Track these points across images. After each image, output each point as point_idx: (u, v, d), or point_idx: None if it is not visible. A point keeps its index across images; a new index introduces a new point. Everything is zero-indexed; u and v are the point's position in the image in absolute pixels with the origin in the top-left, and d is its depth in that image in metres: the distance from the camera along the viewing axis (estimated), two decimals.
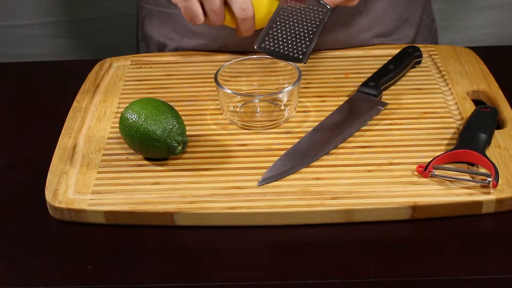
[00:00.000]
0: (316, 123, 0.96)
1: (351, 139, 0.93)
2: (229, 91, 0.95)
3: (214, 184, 0.87)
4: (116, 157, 0.92)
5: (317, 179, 0.87)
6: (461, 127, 0.94)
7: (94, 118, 0.99)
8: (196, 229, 0.84)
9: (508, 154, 0.90)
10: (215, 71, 0.98)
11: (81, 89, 1.06)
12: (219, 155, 0.92)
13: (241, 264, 0.80)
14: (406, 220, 0.84)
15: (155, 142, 0.88)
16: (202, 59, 1.11)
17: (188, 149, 0.92)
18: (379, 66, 1.04)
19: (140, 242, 0.83)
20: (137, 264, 0.80)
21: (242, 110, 0.99)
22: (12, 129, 1.03)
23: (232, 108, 0.98)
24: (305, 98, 1.01)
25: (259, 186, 0.86)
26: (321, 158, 0.90)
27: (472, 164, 0.88)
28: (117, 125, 0.93)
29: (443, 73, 1.06)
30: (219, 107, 0.99)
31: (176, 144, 0.88)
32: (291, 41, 0.93)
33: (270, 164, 0.89)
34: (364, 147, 0.92)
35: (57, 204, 0.85)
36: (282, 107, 0.98)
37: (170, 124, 0.88)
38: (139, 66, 1.11)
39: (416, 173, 0.87)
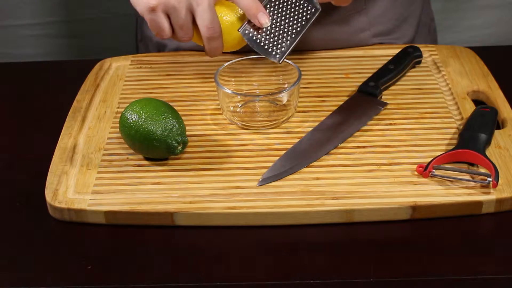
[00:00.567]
0: (316, 123, 0.96)
1: (351, 139, 0.93)
2: (229, 91, 0.95)
3: (214, 184, 0.87)
4: (116, 157, 0.92)
5: (317, 179, 0.87)
6: (461, 127, 0.94)
7: (94, 118, 0.99)
8: (196, 229, 0.84)
9: (508, 154, 0.90)
10: (215, 71, 0.98)
11: (81, 89, 1.06)
12: (219, 155, 0.92)
13: (241, 264, 0.80)
14: (406, 220, 0.84)
15: (155, 142, 0.88)
16: (202, 59, 1.11)
17: (188, 149, 0.92)
18: (379, 66, 1.04)
19: (140, 242, 0.83)
20: (137, 264, 0.80)
21: (242, 110, 0.99)
22: (12, 129, 1.03)
23: (232, 108, 0.98)
24: (305, 98, 1.01)
25: (259, 186, 0.86)
26: (321, 158, 0.90)
27: (472, 164, 0.88)
28: (117, 125, 0.93)
29: (443, 73, 1.06)
30: (219, 107, 0.99)
31: (176, 144, 0.88)
32: (273, 35, 0.92)
33: (270, 164, 0.89)
34: (364, 147, 0.92)
35: (57, 204, 0.85)
36: (282, 107, 0.98)
37: (170, 124, 0.88)
38: (139, 66, 1.11)
39: (416, 173, 0.87)
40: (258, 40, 0.92)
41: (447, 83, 1.03)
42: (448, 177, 0.86)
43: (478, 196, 0.84)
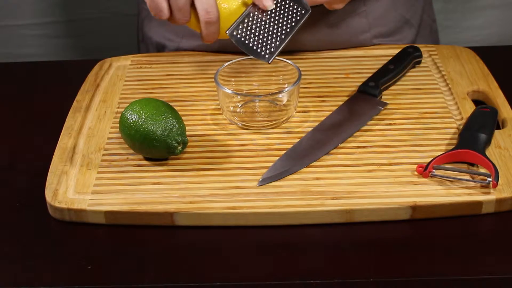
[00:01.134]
0: (316, 123, 0.96)
1: (351, 139, 0.93)
2: (229, 91, 0.95)
3: (214, 184, 0.87)
4: (116, 157, 0.92)
5: (317, 179, 0.87)
6: (461, 127, 0.94)
7: (94, 118, 0.99)
8: (196, 229, 0.84)
9: (508, 154, 0.90)
10: (215, 71, 0.98)
11: (81, 89, 1.06)
12: (219, 155, 0.92)
13: (241, 264, 0.80)
14: (406, 220, 0.84)
15: (155, 142, 0.88)
16: (202, 59, 1.11)
17: (188, 149, 0.92)
18: (379, 66, 1.04)
19: (140, 242, 0.83)
20: (137, 264, 0.80)
21: (242, 110, 0.99)
22: (12, 129, 1.03)
23: (232, 108, 0.98)
24: (305, 98, 1.01)
25: (259, 186, 0.86)
26: (321, 158, 0.90)
27: (472, 164, 0.88)
28: (117, 125, 0.93)
29: (443, 73, 1.06)
30: (219, 107, 0.99)
31: (176, 144, 0.88)
32: (262, 36, 0.92)
33: (270, 164, 0.89)
34: (364, 147, 0.92)
35: (57, 204, 0.85)
36: (282, 107, 0.98)
37: (170, 124, 0.88)
38: (139, 66, 1.11)
39: (416, 173, 0.87)
40: (246, 42, 0.92)
41: (447, 83, 1.03)
42: (448, 177, 0.86)
43: (478, 196, 0.84)
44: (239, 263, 0.80)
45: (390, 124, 0.96)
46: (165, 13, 0.92)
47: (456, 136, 0.93)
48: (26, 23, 1.58)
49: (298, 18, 0.94)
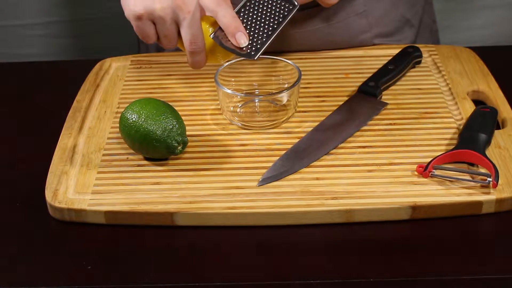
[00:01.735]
0: (316, 123, 0.96)
1: (351, 139, 0.93)
2: (229, 91, 0.95)
3: (214, 184, 0.87)
4: (116, 157, 0.92)
5: (317, 179, 0.87)
6: (461, 127, 0.94)
7: (94, 118, 0.99)
8: (196, 229, 0.84)
9: (508, 154, 0.90)
10: (215, 71, 0.98)
11: (81, 89, 1.06)
12: (219, 155, 0.92)
13: (241, 264, 0.80)
14: (406, 220, 0.84)
15: (155, 142, 0.88)
16: None
17: (188, 149, 0.92)
18: (379, 66, 1.04)
19: (140, 242, 0.83)
20: (137, 264, 0.80)
21: (242, 110, 0.99)
22: (12, 129, 1.03)
23: (232, 108, 0.98)
24: (305, 98, 1.01)
25: (259, 186, 0.86)
26: (321, 158, 0.90)
27: (472, 164, 0.88)
28: (117, 125, 0.93)
29: (443, 73, 1.06)
30: (219, 107, 0.99)
31: (176, 144, 0.88)
32: (248, 35, 0.92)
33: (270, 164, 0.89)
34: (364, 147, 0.92)
35: (57, 204, 0.85)
36: (282, 107, 0.98)
37: (170, 124, 0.88)
38: (139, 66, 1.11)
39: (416, 173, 0.87)
40: (230, 42, 0.92)
41: (447, 83, 1.03)
42: (448, 177, 0.86)
43: (478, 196, 0.84)
44: (239, 263, 0.80)
45: (390, 124, 0.96)
46: (152, 38, 0.94)
47: (456, 136, 0.93)
48: (26, 23, 1.58)
49: (285, 13, 0.94)
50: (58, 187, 0.87)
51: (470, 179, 0.86)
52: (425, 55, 1.09)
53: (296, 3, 0.94)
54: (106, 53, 1.18)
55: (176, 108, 0.92)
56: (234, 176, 0.88)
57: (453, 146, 0.90)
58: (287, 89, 0.95)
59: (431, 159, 0.87)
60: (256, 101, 1.00)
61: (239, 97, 0.99)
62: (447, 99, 1.00)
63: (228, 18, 0.91)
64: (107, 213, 0.84)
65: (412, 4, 1.16)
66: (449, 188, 0.85)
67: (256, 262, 0.80)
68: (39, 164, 0.92)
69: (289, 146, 0.92)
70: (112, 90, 1.05)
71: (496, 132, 0.93)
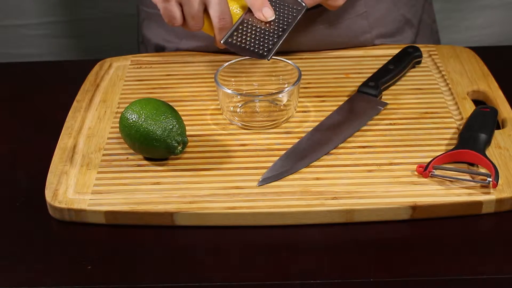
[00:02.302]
0: (316, 123, 0.96)
1: (351, 139, 0.93)
2: (229, 91, 0.95)
3: (214, 184, 0.87)
4: (116, 157, 0.92)
5: (317, 179, 0.87)
6: (461, 127, 0.94)
7: (94, 118, 0.99)
8: (196, 229, 0.84)
9: (508, 154, 0.90)
10: (215, 71, 0.98)
11: (81, 89, 1.06)
12: (219, 155, 0.92)
13: (241, 264, 0.80)
14: (406, 220, 0.84)
15: (155, 142, 0.88)
16: (202, 59, 1.11)
17: (188, 149, 0.92)
18: (379, 66, 1.04)
19: (140, 242, 0.83)
20: (137, 264, 0.80)
21: (242, 110, 0.99)
22: (12, 129, 1.03)
23: (232, 108, 0.98)
24: (305, 98, 1.01)
25: (259, 186, 0.86)
26: (321, 158, 0.90)
27: (472, 164, 0.88)
28: (117, 125, 0.93)
29: (443, 73, 1.06)
30: (219, 107, 0.99)
31: (176, 144, 0.88)
32: (259, 37, 0.92)
33: (270, 164, 0.89)
34: (364, 147, 0.92)
35: (57, 204, 0.85)
36: (282, 107, 0.98)
37: (170, 124, 0.88)
38: (139, 66, 1.11)
39: (416, 173, 0.87)
40: (243, 45, 0.92)
41: (447, 83, 1.03)
42: (448, 177, 0.86)
43: (478, 196, 0.84)
44: (239, 263, 0.80)
45: (390, 124, 0.96)
46: (178, 20, 0.93)
47: (456, 136, 0.93)
48: (26, 23, 1.58)
49: (294, 14, 0.94)
50: (58, 187, 0.87)
51: (470, 179, 0.86)
52: (425, 55, 1.09)
53: (304, 4, 0.94)
54: (106, 53, 1.18)
55: (176, 108, 0.92)
56: (234, 176, 0.88)
57: (453, 146, 0.90)
58: (287, 89, 0.95)
59: (431, 159, 0.87)
60: (256, 101, 1.00)
61: (239, 97, 0.99)
62: (447, 99, 1.00)
63: None
64: (107, 213, 0.84)
65: (412, 4, 1.16)
66: (449, 188, 0.85)
67: (256, 262, 0.80)
68: (39, 164, 0.92)
69: (289, 146, 0.92)
70: (112, 90, 1.05)
71: (496, 132, 0.93)
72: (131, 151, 0.91)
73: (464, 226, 0.83)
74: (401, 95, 1.01)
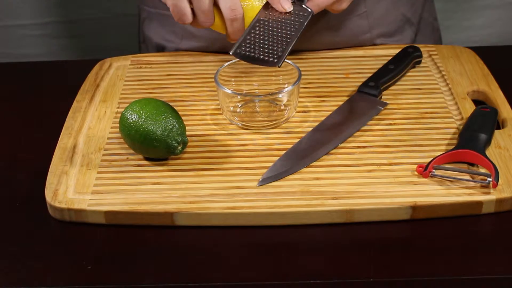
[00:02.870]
0: (316, 123, 0.96)
1: (351, 139, 0.93)
2: (229, 91, 0.95)
3: (214, 184, 0.87)
4: (116, 157, 0.92)
5: (317, 179, 0.87)
6: (461, 127, 0.94)
7: (94, 118, 0.99)
8: (196, 229, 0.84)
9: (508, 154, 0.90)
10: (215, 71, 0.98)
11: (81, 89, 1.06)
12: (219, 155, 0.92)
13: (241, 264, 0.80)
14: (406, 220, 0.84)
15: (155, 142, 0.88)
16: (202, 59, 1.11)
17: (188, 149, 0.92)
18: (379, 66, 1.04)
19: (140, 242, 0.83)
20: (137, 264, 0.80)
21: (242, 110, 0.99)
22: (12, 129, 1.03)
23: (232, 108, 0.98)
24: (305, 98, 1.01)
25: (259, 186, 0.86)
26: (321, 158, 0.90)
27: (472, 164, 0.88)
28: (117, 125, 0.93)
29: (443, 73, 1.06)
30: (219, 107, 0.99)
31: (176, 144, 0.88)
32: (267, 45, 0.92)
33: (270, 164, 0.89)
34: (364, 147, 0.92)
35: (57, 204, 0.85)
36: (282, 107, 0.98)
37: (170, 124, 0.88)
38: (139, 66, 1.11)
39: (416, 173, 0.87)
40: (252, 54, 0.92)
41: (447, 83, 1.03)
42: (448, 177, 0.86)
43: (478, 196, 0.84)
44: (239, 263, 0.80)
45: (390, 124, 0.96)
46: (189, 17, 0.93)
47: (456, 136, 0.93)
48: (26, 23, 1.58)
49: (301, 20, 0.94)
50: (58, 187, 0.87)
51: (470, 179, 0.86)
52: (425, 55, 1.09)
53: (310, 10, 0.94)
54: (106, 53, 1.18)
55: (176, 108, 0.92)
56: (234, 176, 0.88)
57: (453, 146, 0.90)
58: (287, 89, 0.95)
59: (431, 159, 0.87)
60: (256, 101, 1.00)
61: (239, 97, 0.99)
62: (447, 99, 1.00)
63: None
64: (107, 213, 0.84)
65: (412, 3, 1.16)
66: (449, 188, 0.85)
67: (256, 262, 0.80)
68: (39, 164, 0.92)
69: (289, 146, 0.92)
70: (112, 90, 1.05)
71: (496, 132, 0.93)
72: (131, 151, 0.91)
73: (464, 226, 0.83)
74: (401, 95, 1.01)
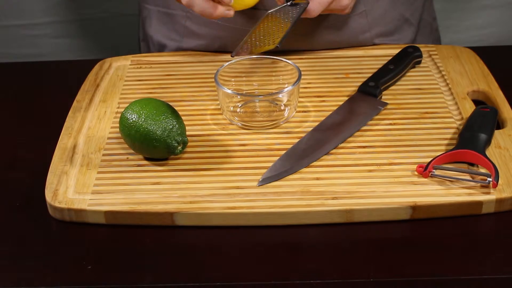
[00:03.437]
0: (316, 123, 0.96)
1: (351, 139, 0.93)
2: (229, 91, 0.95)
3: (214, 184, 0.87)
4: (116, 157, 0.92)
5: (317, 179, 0.87)
6: (461, 127, 0.94)
7: (94, 118, 0.99)
8: (196, 229, 0.84)
9: (508, 154, 0.90)
10: (215, 71, 0.98)
11: (81, 89, 1.06)
12: (219, 155, 0.92)
13: (241, 264, 0.80)
14: (406, 220, 0.84)
15: (155, 142, 0.88)
16: (202, 59, 1.11)
17: (188, 149, 0.92)
18: (379, 66, 1.04)
19: (140, 242, 0.83)
20: (137, 264, 0.80)
21: (242, 110, 0.99)
22: (12, 129, 1.03)
23: (232, 108, 0.98)
24: (305, 98, 1.01)
25: (259, 186, 0.86)
26: (321, 158, 0.90)
27: (472, 164, 0.88)
28: (117, 125, 0.93)
29: (443, 73, 1.06)
30: (219, 107, 0.99)
31: (176, 144, 0.88)
32: (265, 37, 0.94)
33: (270, 164, 0.89)
34: (364, 147, 0.92)
35: (57, 204, 0.85)
36: (282, 107, 0.98)
37: (170, 124, 0.88)
38: (139, 66, 1.11)
39: (416, 173, 0.87)
40: (252, 49, 0.93)
41: (447, 83, 1.03)
42: (448, 177, 0.86)
43: (478, 196, 0.84)
44: (239, 263, 0.80)
45: (390, 124, 0.96)
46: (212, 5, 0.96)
47: (456, 136, 0.93)
48: (26, 23, 1.58)
49: (298, 9, 0.95)
50: (58, 187, 0.87)
51: (470, 179, 0.86)
52: (425, 55, 1.09)
53: (306, 1, 0.97)
54: (106, 53, 1.18)
55: (176, 108, 0.92)
56: (234, 176, 0.88)
57: (453, 146, 0.90)
58: (287, 89, 0.95)
59: (431, 159, 0.88)
60: (256, 101, 1.00)
61: (239, 97, 0.99)
62: (447, 99, 1.00)
63: None
64: (107, 213, 0.84)
65: (411, 3, 1.16)
66: (449, 188, 0.85)
67: (256, 262, 0.80)
68: (39, 164, 0.92)
69: (289, 146, 0.92)
70: (112, 90, 1.05)
71: (496, 132, 0.93)
72: (131, 151, 0.91)
73: (464, 226, 0.83)
74: (401, 95, 1.01)
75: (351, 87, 1.03)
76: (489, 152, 0.90)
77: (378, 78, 1.01)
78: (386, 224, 0.83)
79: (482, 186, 0.85)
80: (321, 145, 0.91)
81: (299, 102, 0.99)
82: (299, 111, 0.98)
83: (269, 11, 0.99)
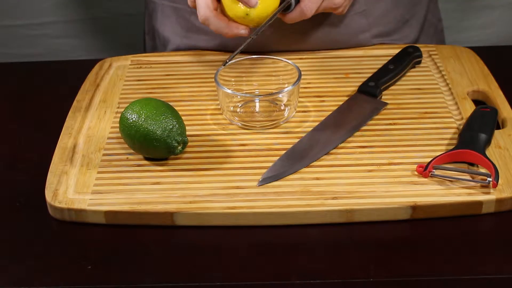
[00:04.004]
0: (316, 123, 0.96)
1: (351, 139, 0.93)
2: (229, 91, 0.95)
3: (214, 184, 0.87)
4: (116, 157, 0.92)
5: (317, 179, 0.87)
6: (461, 127, 0.94)
7: (94, 118, 0.99)
8: (196, 229, 0.84)
9: (508, 154, 0.90)
10: (215, 71, 0.98)
11: (81, 89, 1.06)
12: (219, 155, 0.92)
13: (241, 264, 0.80)
14: (406, 220, 0.84)
15: (155, 142, 0.88)
16: (202, 59, 1.11)
17: (188, 149, 0.92)
18: (379, 66, 1.04)
19: (140, 242, 0.83)
20: (137, 264, 0.80)
21: (242, 110, 0.99)
22: (12, 129, 1.03)
23: (232, 108, 0.98)
24: (305, 98, 1.01)
25: (259, 186, 0.86)
26: (321, 158, 0.90)
27: (472, 164, 0.88)
28: (117, 125, 0.93)
29: (443, 73, 1.06)
30: (219, 107, 0.99)
31: (176, 144, 0.88)
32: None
33: (270, 164, 0.89)
34: (364, 147, 0.92)
35: (57, 204, 0.85)
36: (282, 107, 0.98)
37: (170, 124, 0.88)
38: (139, 66, 1.11)
39: (416, 173, 0.87)
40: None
41: (447, 83, 1.03)
42: (448, 177, 0.86)
43: (478, 196, 0.84)
44: (239, 263, 0.80)
45: (390, 124, 0.96)
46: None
47: (456, 136, 0.93)
48: (26, 23, 1.58)
49: (281, 6, 0.98)
50: (58, 187, 0.87)
51: (470, 179, 0.86)
52: (425, 55, 1.09)
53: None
54: (106, 53, 1.18)
55: (176, 108, 0.92)
56: (234, 176, 0.88)
57: (453, 146, 0.90)
58: (287, 89, 0.95)
59: (431, 159, 0.87)
60: (256, 101, 1.00)
61: (239, 97, 0.99)
62: (447, 99, 1.00)
63: None
64: (107, 213, 0.84)
65: (413, 4, 1.16)
66: (449, 188, 0.85)
67: (256, 262, 0.80)
68: (39, 164, 0.92)
69: (289, 146, 0.92)
70: (112, 90, 1.05)
71: (496, 132, 0.93)
72: (131, 151, 0.91)
73: (464, 226, 0.83)
74: (401, 95, 1.01)
75: (351, 87, 1.03)
76: (489, 152, 0.90)
77: (378, 78, 1.01)
78: (386, 224, 0.83)
79: (482, 186, 0.85)
80: (321, 145, 0.91)
81: (299, 102, 0.99)
82: (299, 111, 0.98)
83: None
